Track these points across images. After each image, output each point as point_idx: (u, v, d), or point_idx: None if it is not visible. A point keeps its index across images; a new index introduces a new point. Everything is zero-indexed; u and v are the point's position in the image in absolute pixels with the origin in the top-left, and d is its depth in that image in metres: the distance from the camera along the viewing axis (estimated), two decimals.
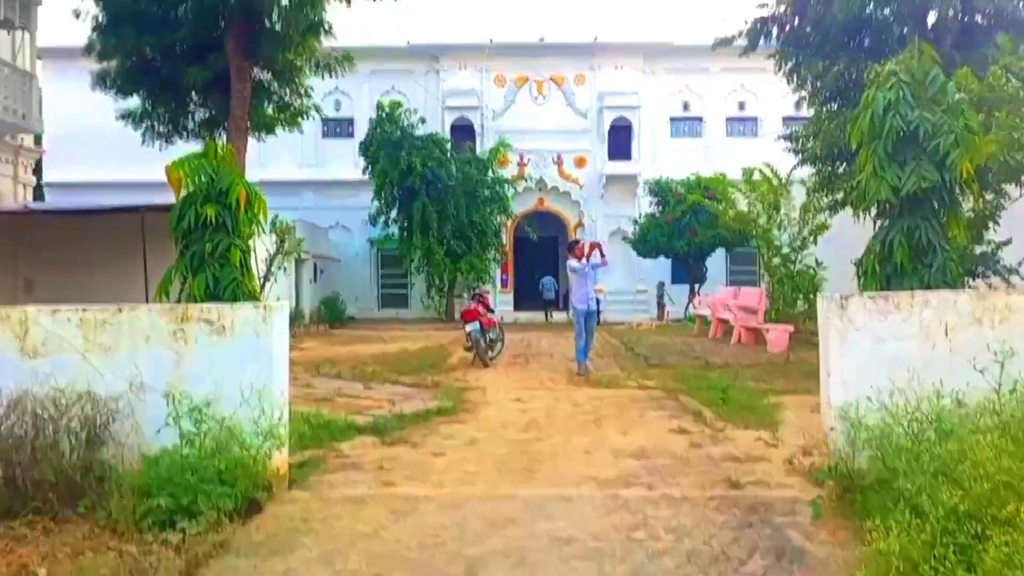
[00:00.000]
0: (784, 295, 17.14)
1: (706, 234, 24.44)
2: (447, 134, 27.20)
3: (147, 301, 9.84)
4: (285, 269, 20.10)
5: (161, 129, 17.07)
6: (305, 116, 18.15)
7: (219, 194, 6.47)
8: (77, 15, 15.79)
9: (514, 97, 29.43)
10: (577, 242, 12.86)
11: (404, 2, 18.71)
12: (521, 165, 28.84)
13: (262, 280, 16.71)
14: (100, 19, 15.63)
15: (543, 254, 30.00)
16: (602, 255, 12.27)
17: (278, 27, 15.69)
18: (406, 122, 25.13)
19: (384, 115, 25.13)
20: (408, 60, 29.54)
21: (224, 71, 15.50)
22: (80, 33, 16.38)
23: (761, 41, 15.79)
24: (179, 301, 6.30)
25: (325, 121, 28.31)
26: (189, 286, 6.41)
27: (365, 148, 25.19)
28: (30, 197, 19.53)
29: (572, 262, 12.24)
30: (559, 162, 29.18)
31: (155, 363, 5.52)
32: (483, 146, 27.96)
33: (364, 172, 25.61)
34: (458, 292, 26.54)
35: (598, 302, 12.69)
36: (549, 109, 29.39)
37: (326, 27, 16.12)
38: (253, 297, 6.47)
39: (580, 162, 29.16)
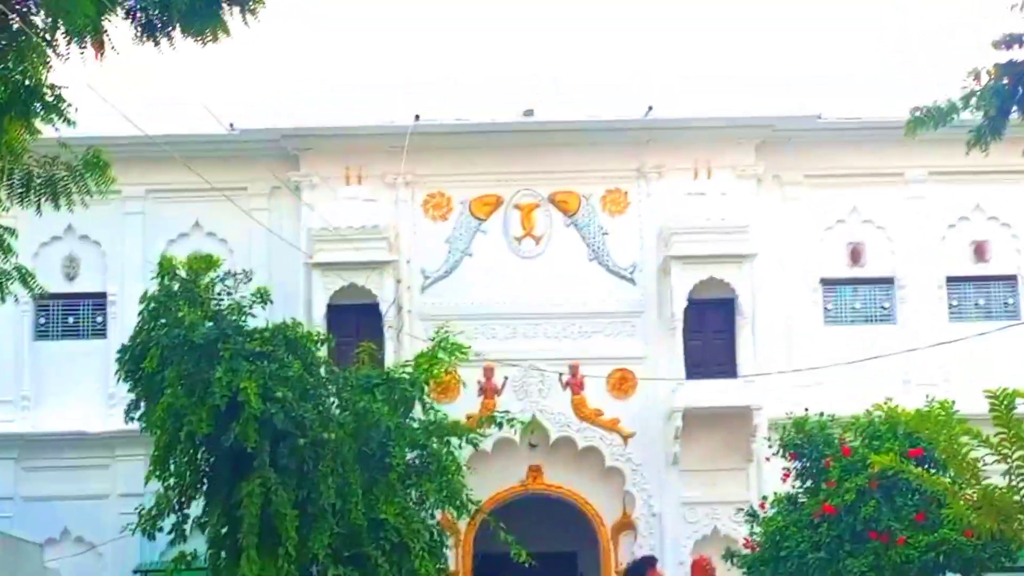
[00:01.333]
0: None
1: (918, 543, 23.46)
2: (320, 324, 28.36)
3: None
4: None
5: None
6: None
7: None
8: None
9: (468, 243, 30.75)
10: (651, 564, 12.61)
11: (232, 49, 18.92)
12: (489, 392, 29.68)
13: None
14: None
15: None
16: None
17: None
18: (226, 301, 25.61)
19: (175, 288, 25.19)
20: (234, 165, 30.86)
21: None
22: None
23: (1014, 111, 16.25)
24: None
25: (43, 305, 29.35)
26: None
27: (132, 362, 24.91)
28: None
29: None
30: (574, 384, 29.87)
31: None
32: (401, 350, 28.98)
33: (129, 416, 25.47)
34: None
35: None
36: (549, 267, 30.56)
37: (50, 97, 16.44)
38: None
39: (621, 384, 30.21)
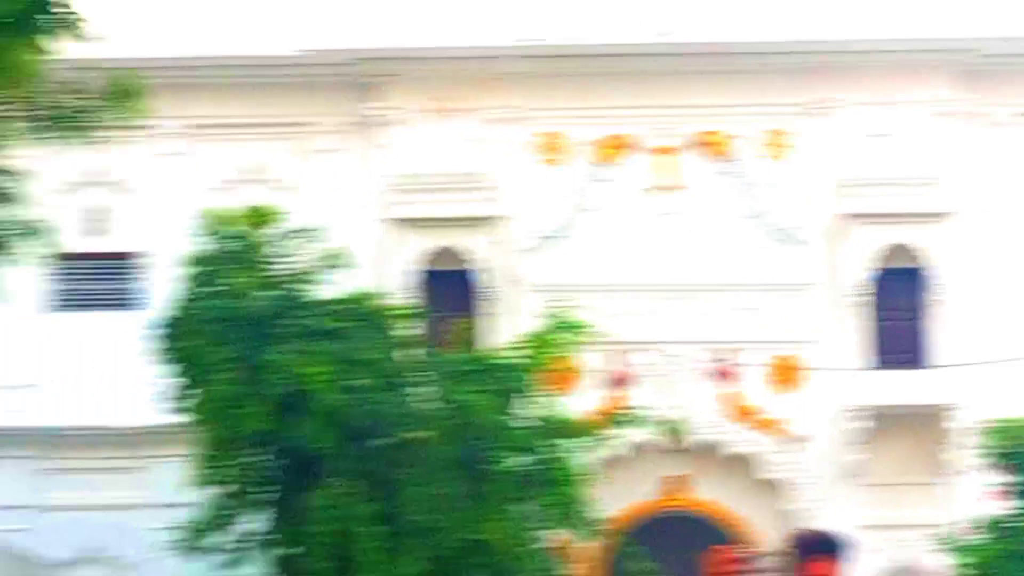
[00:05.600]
0: None
1: None
2: (404, 294, 28.62)
3: None
4: None
5: None
6: None
7: None
8: None
9: (590, 195, 30.36)
10: (827, 546, 12.83)
11: None
12: (618, 383, 29.82)
13: None
14: None
15: None
16: None
17: None
18: (286, 265, 25.80)
19: (224, 247, 25.65)
20: (296, 96, 31.22)
21: None
22: None
23: None
24: None
25: (62, 268, 29.64)
26: None
27: (170, 340, 25.27)
28: None
29: None
30: (726, 374, 30.06)
31: None
32: (502, 330, 29.19)
33: (177, 407, 25.53)
34: None
35: None
36: (692, 225, 30.47)
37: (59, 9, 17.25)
38: None
39: (786, 375, 30.07)
